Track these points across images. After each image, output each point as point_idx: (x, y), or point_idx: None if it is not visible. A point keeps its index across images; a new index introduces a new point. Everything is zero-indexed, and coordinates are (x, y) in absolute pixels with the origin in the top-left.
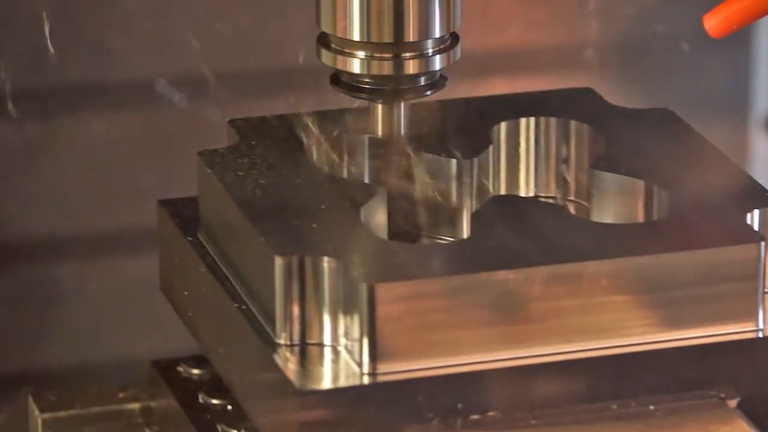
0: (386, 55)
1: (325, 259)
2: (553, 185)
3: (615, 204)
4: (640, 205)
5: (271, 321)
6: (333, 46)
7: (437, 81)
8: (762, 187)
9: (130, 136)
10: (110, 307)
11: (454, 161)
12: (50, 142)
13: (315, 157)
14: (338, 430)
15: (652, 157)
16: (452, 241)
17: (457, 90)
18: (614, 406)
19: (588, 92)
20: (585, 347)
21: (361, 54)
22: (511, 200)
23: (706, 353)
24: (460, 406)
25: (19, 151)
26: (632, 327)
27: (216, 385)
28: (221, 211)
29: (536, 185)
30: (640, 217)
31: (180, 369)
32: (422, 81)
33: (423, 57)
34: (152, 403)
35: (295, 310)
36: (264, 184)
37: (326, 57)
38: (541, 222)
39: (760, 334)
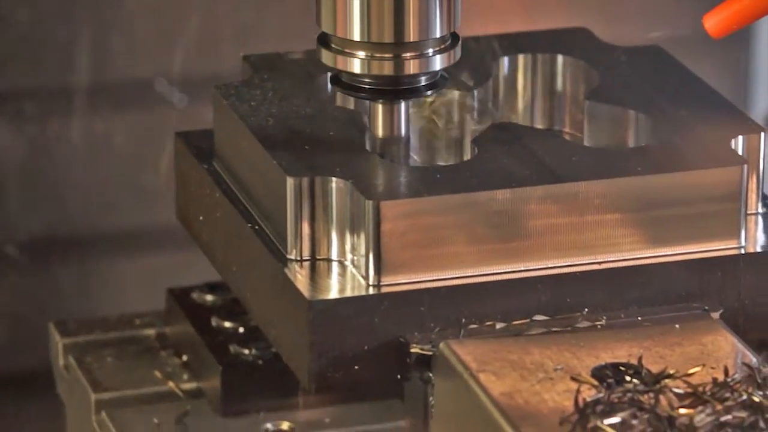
0: (386, 55)
1: (334, 179)
2: (549, 117)
3: (607, 133)
4: (630, 133)
5: (283, 239)
6: (333, 46)
7: (438, 81)
8: (746, 117)
9: (130, 136)
10: (111, 306)
11: (456, 92)
12: (50, 142)
13: (324, 89)
14: (346, 339)
15: (642, 90)
16: (453, 164)
17: None
18: (604, 317)
19: (583, 31)
20: (577, 262)
21: (362, 54)
22: (509, 127)
23: (692, 269)
24: (460, 316)
25: (20, 151)
26: (622, 244)
27: (228, 310)
28: (236, 139)
29: (533, 117)
30: (631, 144)
31: (194, 296)
32: (422, 81)
33: (423, 57)
34: (167, 329)
35: (305, 227)
36: (276, 114)
37: (326, 57)
38: (537, 146)
39: (742, 251)
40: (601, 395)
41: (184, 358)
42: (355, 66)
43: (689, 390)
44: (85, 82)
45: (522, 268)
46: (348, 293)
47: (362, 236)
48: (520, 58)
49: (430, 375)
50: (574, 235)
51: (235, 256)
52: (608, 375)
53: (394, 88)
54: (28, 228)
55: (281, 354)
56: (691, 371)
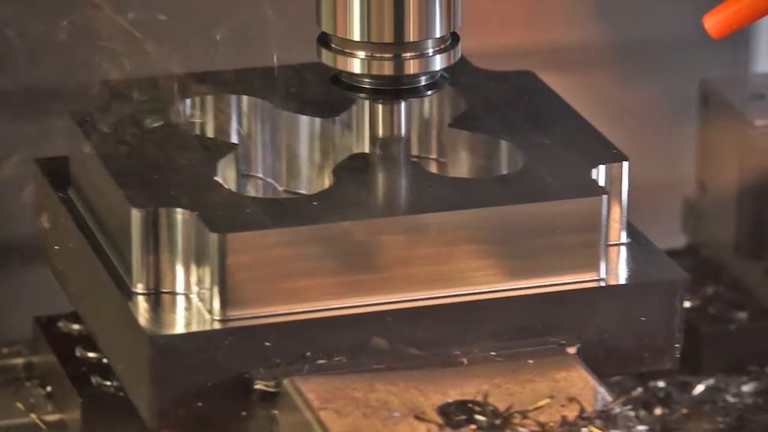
0: (386, 55)
1: (179, 210)
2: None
3: (471, 161)
4: (494, 161)
5: (129, 271)
6: (333, 46)
7: (438, 81)
8: (611, 145)
9: None
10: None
11: (318, 120)
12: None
13: (182, 116)
14: (189, 374)
15: (508, 116)
16: (303, 195)
17: None
18: (457, 352)
19: None
20: (430, 295)
21: (362, 54)
22: (368, 157)
23: (550, 302)
24: (307, 351)
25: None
26: (477, 276)
27: (93, 340)
28: (87, 167)
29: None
30: (493, 173)
31: (61, 325)
32: (422, 81)
33: (423, 57)
34: (34, 359)
35: (150, 260)
36: (129, 141)
37: (326, 57)
38: (394, 176)
39: (602, 284)
40: None
41: (49, 389)
42: (355, 66)
43: (536, 428)
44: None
45: (372, 302)
46: (191, 328)
47: (207, 269)
48: None
49: (275, 412)
50: (427, 267)
51: (86, 287)
52: (455, 413)
53: (394, 88)
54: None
55: (126, 389)
56: (532, 407)
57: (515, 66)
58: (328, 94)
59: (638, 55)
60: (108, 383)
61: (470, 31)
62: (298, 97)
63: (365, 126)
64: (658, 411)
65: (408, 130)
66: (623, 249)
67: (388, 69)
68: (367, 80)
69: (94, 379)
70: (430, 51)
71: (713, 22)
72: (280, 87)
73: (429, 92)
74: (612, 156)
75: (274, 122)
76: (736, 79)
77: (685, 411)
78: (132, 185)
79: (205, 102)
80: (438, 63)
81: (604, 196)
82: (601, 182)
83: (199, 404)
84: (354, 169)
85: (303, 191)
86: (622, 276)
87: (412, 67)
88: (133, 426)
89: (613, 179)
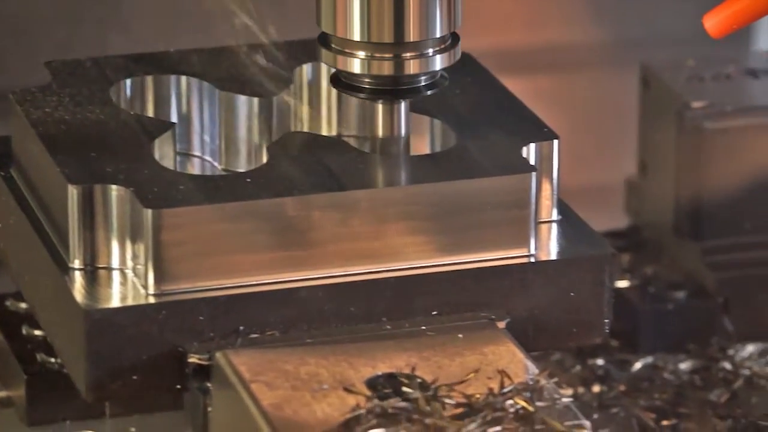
0: (386, 55)
1: (114, 187)
2: (352, 123)
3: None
4: (426, 140)
5: (67, 247)
6: (333, 46)
7: (438, 81)
8: (543, 124)
9: None
10: None
11: (255, 100)
12: None
13: (122, 95)
14: (124, 348)
15: (441, 96)
16: (237, 172)
17: None
18: (388, 327)
19: None
20: (362, 270)
21: (361, 54)
22: (303, 136)
23: (480, 277)
24: (240, 325)
25: None
26: (409, 252)
27: None
28: (27, 146)
29: (339, 124)
30: (426, 151)
31: (8, 303)
32: (422, 81)
33: (423, 57)
34: None
35: (86, 235)
36: (68, 120)
37: (326, 57)
38: (327, 155)
39: (532, 260)
40: (368, 406)
41: None
42: (355, 66)
43: (463, 400)
44: None
45: (304, 277)
46: (126, 302)
47: (142, 245)
48: (323, 65)
49: (209, 385)
50: (359, 243)
51: (25, 264)
52: (383, 385)
53: (394, 88)
54: None
55: (64, 363)
56: (458, 380)
57: (515, 65)
58: (266, 74)
59: (638, 55)
60: (53, 360)
61: (470, 31)
62: (237, 78)
63: (304, 105)
64: (596, 388)
65: (408, 128)
66: (554, 226)
67: (387, 69)
68: (366, 80)
69: (39, 356)
70: (430, 51)
71: (713, 22)
72: (219, 67)
73: (429, 92)
74: (543, 134)
75: (212, 102)
76: (676, 62)
77: (623, 388)
78: (69, 163)
79: (144, 82)
80: (438, 63)
81: (533, 174)
82: (532, 161)
83: (134, 377)
84: (288, 147)
85: (241, 170)
86: (551, 252)
87: (412, 67)
88: (76, 402)
89: (544, 157)
